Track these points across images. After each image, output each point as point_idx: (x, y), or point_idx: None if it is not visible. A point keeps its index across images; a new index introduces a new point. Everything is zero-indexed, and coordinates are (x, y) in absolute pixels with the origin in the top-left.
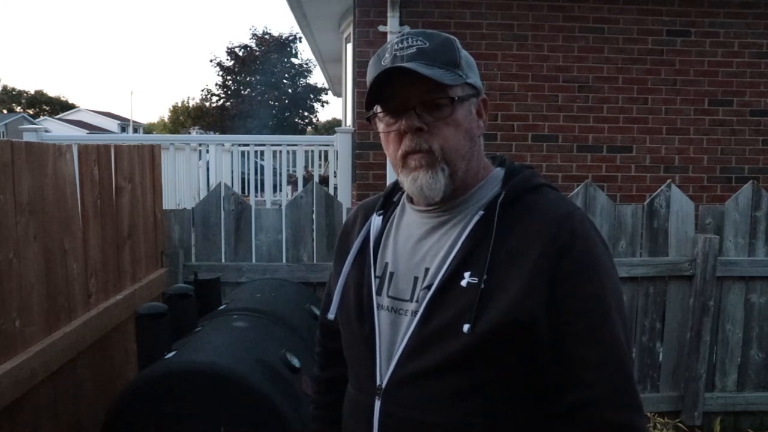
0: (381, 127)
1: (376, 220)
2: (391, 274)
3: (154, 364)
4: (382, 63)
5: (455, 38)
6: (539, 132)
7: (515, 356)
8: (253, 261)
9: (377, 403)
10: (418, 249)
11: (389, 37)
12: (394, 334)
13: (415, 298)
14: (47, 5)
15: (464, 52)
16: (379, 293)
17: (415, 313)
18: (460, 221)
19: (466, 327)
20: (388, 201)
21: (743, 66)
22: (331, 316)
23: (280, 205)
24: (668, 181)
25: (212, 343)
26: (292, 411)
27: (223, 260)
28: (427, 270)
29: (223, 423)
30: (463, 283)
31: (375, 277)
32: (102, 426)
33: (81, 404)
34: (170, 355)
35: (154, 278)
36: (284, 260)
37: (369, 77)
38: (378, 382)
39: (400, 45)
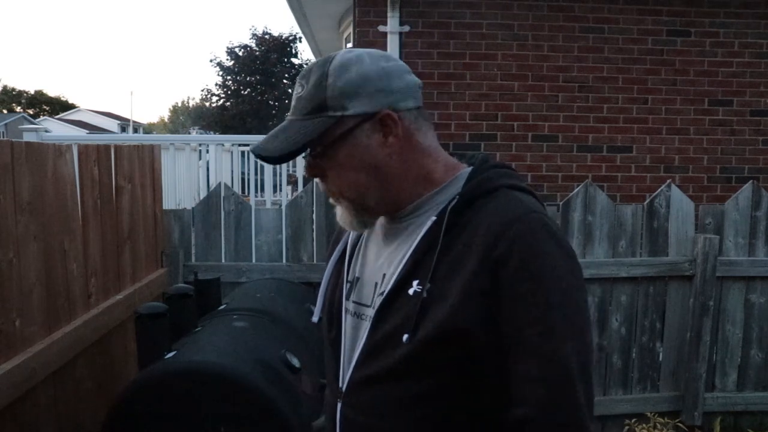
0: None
1: None
2: (358, 279)
3: (154, 364)
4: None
5: (335, 63)
6: (539, 132)
7: (455, 367)
8: (253, 261)
9: (339, 405)
10: (380, 254)
11: (389, 37)
12: (354, 338)
13: (372, 304)
14: (47, 5)
15: (343, 79)
16: (347, 298)
17: (371, 318)
18: (418, 227)
19: (405, 337)
20: None
21: (743, 66)
22: (314, 319)
23: (280, 205)
24: (668, 181)
25: (212, 343)
26: (291, 411)
27: (223, 260)
28: (384, 276)
29: (223, 423)
30: (410, 291)
31: (347, 281)
32: (102, 426)
33: (81, 404)
34: (170, 355)
35: (154, 278)
36: (284, 260)
37: None
38: (340, 385)
39: (294, 91)
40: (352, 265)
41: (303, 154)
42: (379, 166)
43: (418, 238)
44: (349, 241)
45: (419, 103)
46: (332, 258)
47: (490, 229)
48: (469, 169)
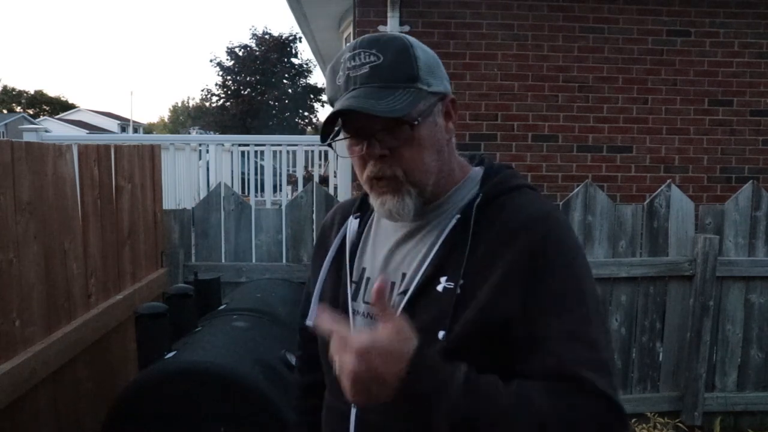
0: (345, 146)
1: (352, 223)
2: (368, 279)
3: (154, 364)
4: (337, 83)
5: (411, 40)
6: (539, 132)
7: (492, 360)
8: (253, 261)
9: (353, 410)
10: (395, 254)
11: None
12: None
13: (391, 304)
14: (47, 5)
15: (424, 55)
16: (354, 299)
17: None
18: (437, 225)
19: (441, 333)
20: (365, 203)
21: (743, 66)
22: (309, 322)
23: (280, 205)
24: (668, 181)
25: (212, 343)
26: (291, 411)
27: (223, 260)
28: (404, 275)
29: (223, 423)
30: (440, 288)
31: (351, 282)
32: (102, 425)
33: (81, 404)
34: (170, 355)
35: (154, 278)
36: (284, 260)
37: (327, 93)
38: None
39: (352, 62)
40: (355, 266)
41: (329, 140)
42: (442, 150)
43: (444, 235)
44: (348, 240)
45: None
46: (327, 258)
47: (523, 224)
48: (478, 169)
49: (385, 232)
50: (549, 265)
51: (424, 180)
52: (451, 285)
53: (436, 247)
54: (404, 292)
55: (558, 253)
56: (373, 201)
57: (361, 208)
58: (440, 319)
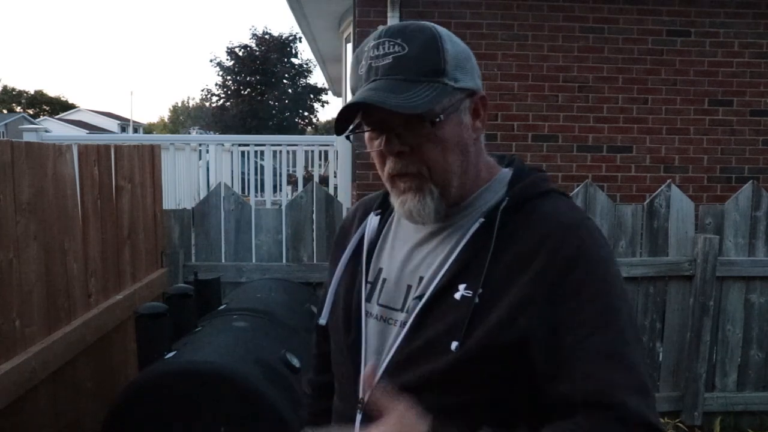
0: (365, 140)
1: (372, 221)
2: (384, 280)
3: (154, 364)
4: (359, 72)
5: (440, 31)
6: (539, 132)
7: (508, 377)
8: (253, 261)
9: (358, 417)
10: (414, 255)
11: None
12: (381, 344)
13: (405, 308)
14: (47, 5)
15: (453, 48)
16: (369, 300)
17: (404, 324)
18: (459, 228)
19: (454, 344)
20: (388, 200)
21: (743, 66)
22: (322, 321)
23: (280, 205)
24: (668, 181)
25: (212, 343)
26: (291, 411)
27: (223, 260)
28: (421, 279)
29: (222, 423)
30: (457, 295)
31: (366, 282)
32: (102, 425)
33: (81, 404)
34: (170, 355)
35: (154, 278)
36: (284, 260)
37: (350, 82)
38: (360, 394)
39: (375, 52)
40: (372, 265)
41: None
42: (467, 150)
43: (466, 239)
44: (366, 239)
45: None
46: (344, 256)
47: (553, 232)
48: (507, 170)
49: (405, 231)
50: (580, 279)
51: (447, 180)
52: (470, 293)
53: (457, 252)
54: (420, 297)
55: (590, 267)
56: (393, 200)
57: (383, 204)
58: (455, 329)
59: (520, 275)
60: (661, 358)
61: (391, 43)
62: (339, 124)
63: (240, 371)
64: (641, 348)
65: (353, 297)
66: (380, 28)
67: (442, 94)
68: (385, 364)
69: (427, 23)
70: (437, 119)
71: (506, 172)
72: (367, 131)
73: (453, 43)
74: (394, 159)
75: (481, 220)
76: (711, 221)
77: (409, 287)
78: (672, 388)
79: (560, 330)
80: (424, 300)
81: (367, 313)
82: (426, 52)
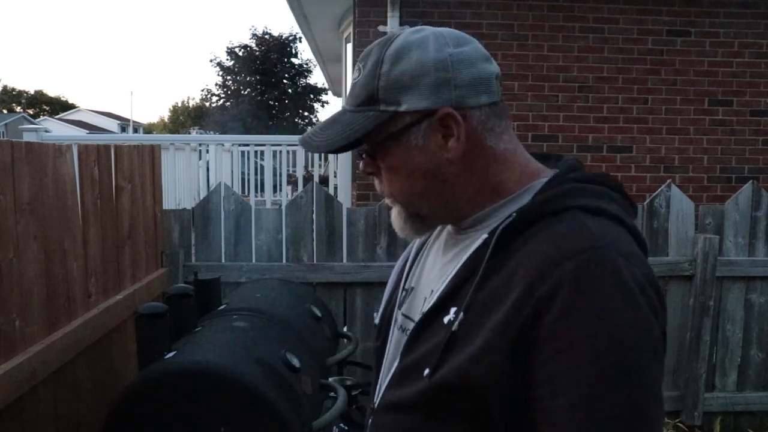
0: None
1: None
2: (412, 289)
3: (154, 364)
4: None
5: (389, 51)
6: (539, 132)
7: (482, 413)
8: (253, 261)
9: (370, 420)
10: (435, 266)
11: None
12: (394, 354)
13: (417, 320)
14: (47, 5)
15: (397, 68)
16: (400, 307)
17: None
18: (472, 242)
19: (426, 371)
20: None
21: (743, 66)
22: (376, 321)
23: (280, 205)
24: (668, 181)
25: (212, 343)
26: (291, 411)
27: (223, 260)
28: (432, 292)
29: (222, 423)
30: (446, 319)
31: (403, 289)
32: (102, 426)
33: (81, 404)
34: (170, 355)
35: (154, 278)
36: (284, 260)
37: None
38: (375, 399)
39: (353, 73)
40: (411, 272)
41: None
42: (436, 172)
43: (465, 257)
44: (415, 244)
45: (495, 98)
46: (399, 260)
47: (537, 263)
48: (546, 179)
49: (439, 240)
50: (552, 325)
51: (413, 203)
52: (454, 318)
53: (455, 270)
54: (424, 312)
55: (572, 310)
56: None
57: None
58: (431, 356)
59: (497, 308)
60: None
61: (358, 66)
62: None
63: (240, 371)
64: (627, 422)
65: (390, 303)
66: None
67: (372, 122)
68: (389, 376)
69: (387, 40)
70: (369, 149)
71: (543, 181)
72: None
73: (402, 60)
74: (375, 179)
75: (484, 236)
76: (711, 221)
77: (425, 299)
78: (672, 388)
79: (525, 378)
80: (418, 318)
81: (395, 320)
82: (366, 78)
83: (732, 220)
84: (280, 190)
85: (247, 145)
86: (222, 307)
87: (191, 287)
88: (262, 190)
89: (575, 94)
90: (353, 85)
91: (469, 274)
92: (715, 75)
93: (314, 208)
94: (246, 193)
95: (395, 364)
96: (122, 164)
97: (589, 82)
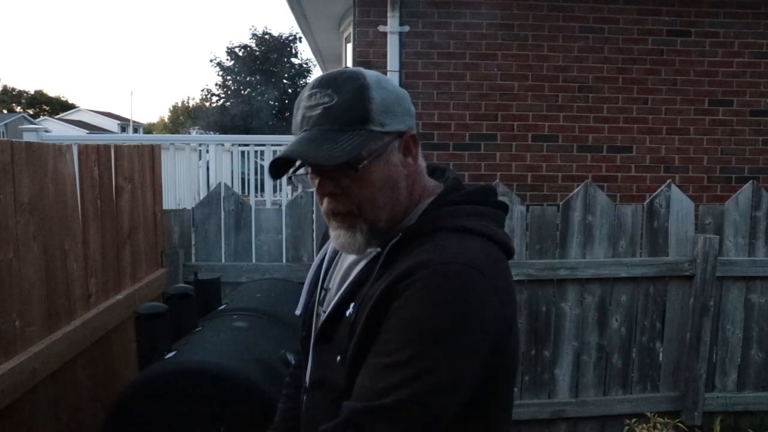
0: (309, 180)
1: None
2: (329, 289)
3: (154, 364)
4: (296, 119)
5: (369, 80)
6: (539, 132)
7: None
8: (253, 261)
9: (304, 398)
10: (344, 271)
11: (389, 37)
12: (316, 343)
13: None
14: (47, 5)
15: (381, 94)
16: (321, 304)
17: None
18: (370, 254)
19: (338, 358)
20: None
21: (743, 66)
22: (297, 312)
23: (280, 205)
24: (668, 181)
25: (212, 343)
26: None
27: (223, 260)
28: (338, 292)
29: (222, 423)
30: (347, 312)
31: (322, 288)
32: (102, 426)
33: (81, 404)
34: (170, 355)
35: (154, 278)
36: (284, 260)
37: (292, 128)
38: (305, 382)
39: (308, 102)
40: (330, 272)
41: (298, 170)
42: (397, 185)
43: (363, 263)
44: (330, 247)
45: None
46: (316, 259)
47: (405, 270)
48: (431, 199)
49: None
50: (398, 309)
51: (376, 216)
52: (352, 312)
53: (355, 272)
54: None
55: (412, 299)
56: (330, 233)
57: None
58: (340, 343)
59: (376, 299)
60: (661, 358)
61: (322, 93)
62: (273, 170)
63: (240, 371)
64: (428, 394)
65: (311, 298)
66: (315, 77)
67: (366, 140)
68: (312, 363)
69: (359, 72)
70: (361, 165)
71: (430, 201)
72: (308, 174)
73: (382, 89)
74: (329, 199)
75: (378, 249)
76: (711, 221)
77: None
78: (672, 388)
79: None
80: (325, 313)
81: (317, 315)
82: (353, 102)
83: (732, 220)
84: (280, 190)
85: (247, 145)
86: (222, 307)
87: (191, 287)
88: (262, 190)
89: (575, 94)
90: (327, 109)
91: (365, 278)
92: (715, 75)
93: (314, 208)
94: (246, 193)
95: (317, 351)
96: (122, 164)
97: (589, 82)
